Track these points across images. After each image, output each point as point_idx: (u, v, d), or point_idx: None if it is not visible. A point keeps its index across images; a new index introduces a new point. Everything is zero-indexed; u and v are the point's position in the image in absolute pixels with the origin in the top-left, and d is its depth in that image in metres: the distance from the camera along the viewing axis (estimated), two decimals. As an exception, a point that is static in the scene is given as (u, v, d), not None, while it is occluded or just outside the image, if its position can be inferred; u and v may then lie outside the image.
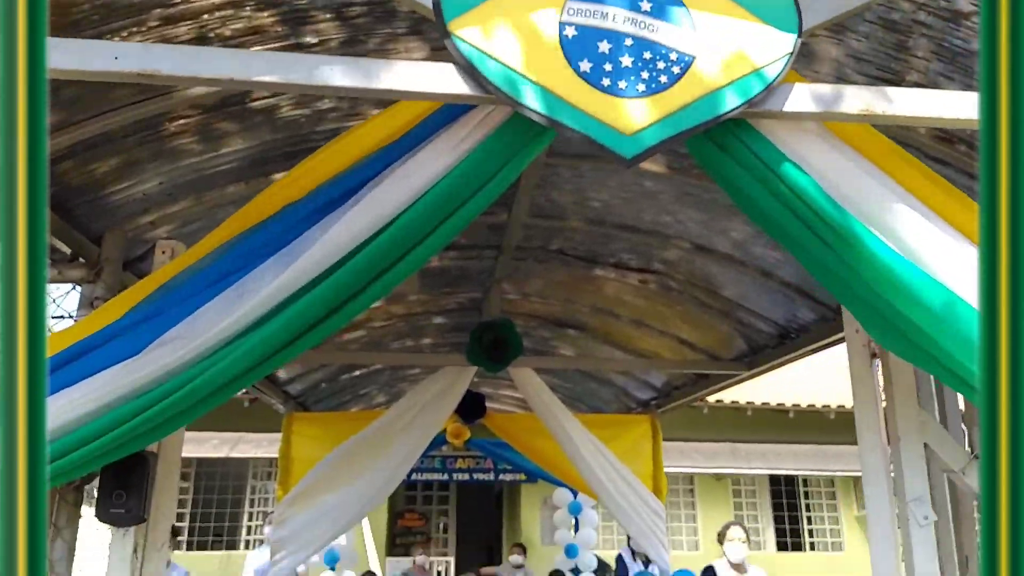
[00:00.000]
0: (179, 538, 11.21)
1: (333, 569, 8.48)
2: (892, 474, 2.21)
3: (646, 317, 4.95)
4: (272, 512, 7.55)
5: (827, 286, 1.83)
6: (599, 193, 3.39)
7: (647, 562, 7.39)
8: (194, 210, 2.76)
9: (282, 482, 5.56)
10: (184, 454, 9.02)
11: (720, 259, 3.77)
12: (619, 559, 7.75)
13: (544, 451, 6.71)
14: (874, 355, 2.34)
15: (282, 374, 5.71)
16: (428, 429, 4.80)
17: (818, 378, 15.30)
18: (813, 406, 12.34)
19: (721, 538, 5.39)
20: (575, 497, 9.27)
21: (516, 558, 9.08)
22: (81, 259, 2.50)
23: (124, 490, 2.14)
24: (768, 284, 3.79)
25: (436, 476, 11.94)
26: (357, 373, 6.61)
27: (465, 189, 1.70)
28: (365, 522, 11.76)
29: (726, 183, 1.75)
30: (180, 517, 11.48)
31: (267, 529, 7.71)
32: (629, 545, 7.58)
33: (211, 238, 1.95)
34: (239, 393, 9.60)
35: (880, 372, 2.32)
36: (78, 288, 2.52)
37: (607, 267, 4.27)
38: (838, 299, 1.82)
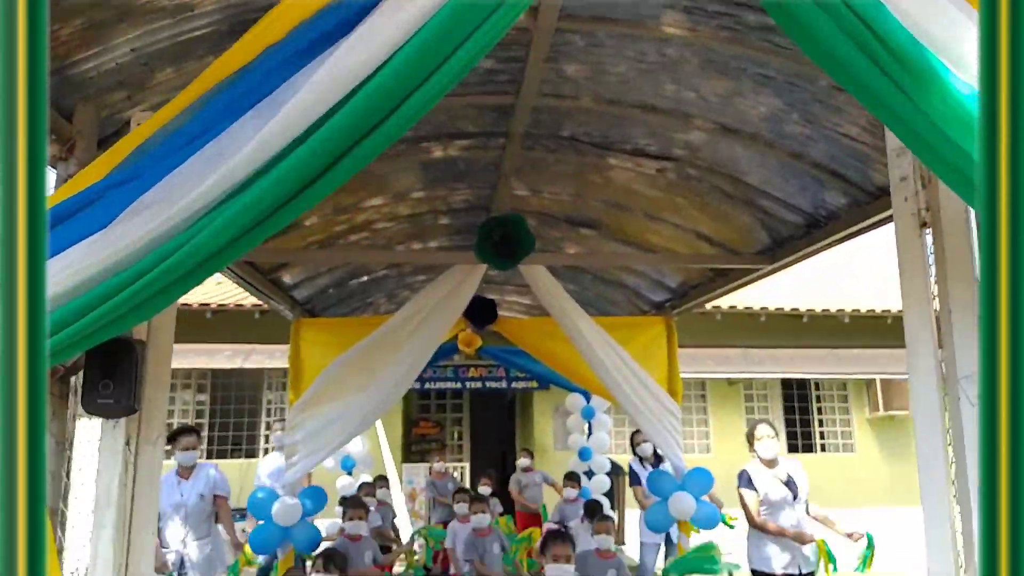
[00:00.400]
0: (202, 446, 11.43)
1: (350, 474, 8.62)
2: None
3: (662, 211, 4.71)
4: (281, 420, 7.61)
5: (891, 128, 1.59)
6: (616, 65, 3.11)
7: (656, 465, 7.44)
8: (173, 83, 2.51)
9: (293, 388, 5.51)
10: (198, 365, 9.08)
11: (745, 140, 3.51)
12: (630, 469, 7.82)
13: (558, 354, 6.63)
14: (924, 224, 2.13)
15: (288, 279, 5.57)
16: (437, 331, 4.67)
17: (833, 283, 15.15)
18: (828, 311, 12.21)
19: (751, 439, 5.34)
20: (588, 402, 9.31)
21: (523, 461, 9.41)
22: (53, 135, 2.29)
23: (111, 380, 1.99)
24: (797, 167, 3.54)
25: (449, 385, 12.03)
26: (365, 279, 6.47)
27: (480, 7, 1.46)
28: (380, 430, 11.94)
29: (784, 15, 1.49)
30: (198, 426, 11.66)
31: (275, 436, 7.81)
32: (636, 453, 7.63)
33: (188, 92, 1.72)
34: (249, 305, 9.58)
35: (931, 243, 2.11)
36: (52, 169, 2.32)
37: (622, 155, 4.01)
38: (901, 141, 1.58)
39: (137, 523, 2.02)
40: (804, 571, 5.09)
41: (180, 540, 5.38)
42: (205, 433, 11.70)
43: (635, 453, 7.61)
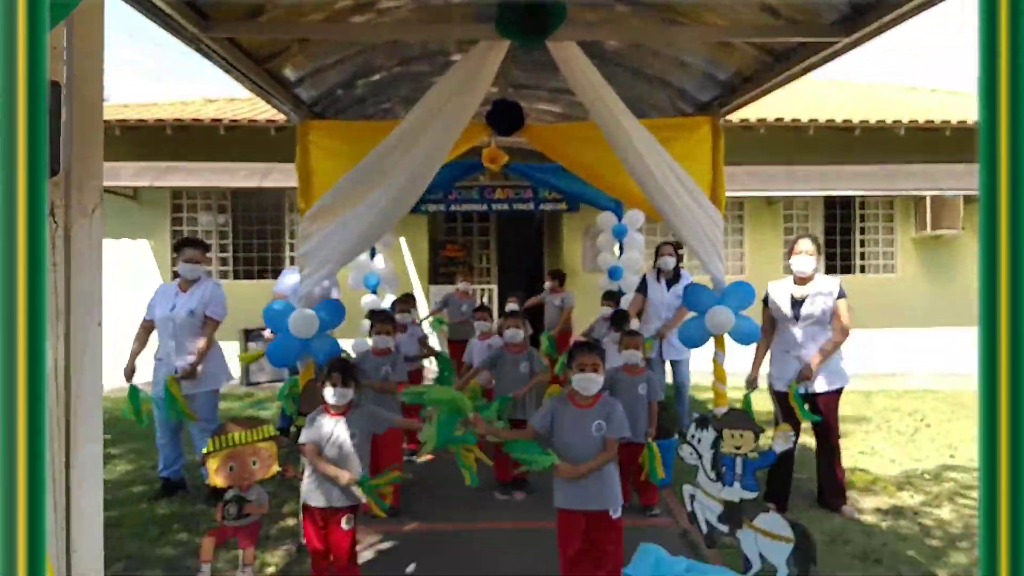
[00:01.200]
0: (224, 266, 11.35)
1: (374, 292, 8.44)
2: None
3: (720, -23, 3.94)
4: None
5: None
6: None
7: (671, 284, 7.09)
8: None
9: (302, 196, 5.10)
10: (216, 184, 8.69)
11: None
12: (642, 279, 7.42)
13: (592, 162, 6.04)
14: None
15: (289, 72, 4.97)
16: (456, 121, 4.11)
17: (887, 96, 14.02)
18: (883, 122, 11.27)
19: (791, 251, 5.26)
20: (620, 220, 8.89)
21: (547, 284, 9.32)
22: None
23: (19, 130, 1.53)
24: None
25: (475, 207, 11.60)
26: (376, 77, 5.83)
27: None
28: (406, 251, 11.73)
29: None
30: (223, 248, 11.56)
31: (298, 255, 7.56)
32: (656, 265, 7.22)
33: None
34: (263, 121, 9.00)
35: None
36: None
37: None
38: None
39: (77, 313, 1.64)
40: (810, 390, 5.06)
41: (169, 352, 5.24)
42: (229, 254, 11.58)
43: (655, 265, 7.22)
